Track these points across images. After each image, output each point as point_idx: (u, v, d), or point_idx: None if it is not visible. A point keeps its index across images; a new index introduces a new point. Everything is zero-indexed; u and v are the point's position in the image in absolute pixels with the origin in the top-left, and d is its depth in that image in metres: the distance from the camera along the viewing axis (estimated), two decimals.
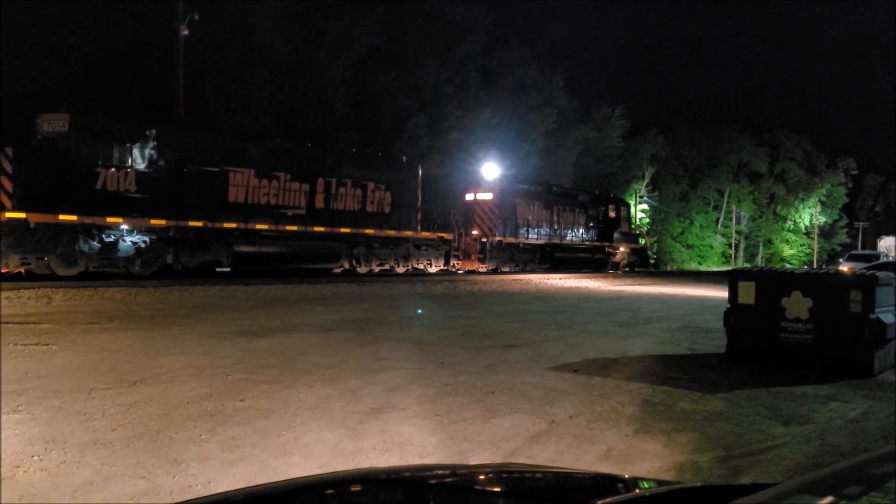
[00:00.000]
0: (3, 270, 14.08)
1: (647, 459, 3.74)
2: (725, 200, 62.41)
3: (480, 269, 24.93)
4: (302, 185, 18.90)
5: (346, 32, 31.20)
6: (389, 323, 9.77)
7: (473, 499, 1.41)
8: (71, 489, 3.07)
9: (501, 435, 4.10)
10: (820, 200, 66.31)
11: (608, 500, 1.19)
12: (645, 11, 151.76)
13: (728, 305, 7.18)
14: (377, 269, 21.32)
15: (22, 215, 13.92)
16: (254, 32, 27.83)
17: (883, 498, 0.92)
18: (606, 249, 31.69)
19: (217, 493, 1.89)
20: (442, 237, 23.37)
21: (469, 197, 25.25)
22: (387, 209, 21.14)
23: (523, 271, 26.52)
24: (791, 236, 66.84)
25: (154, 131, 15.94)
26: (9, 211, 13.82)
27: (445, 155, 33.53)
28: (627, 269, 33.04)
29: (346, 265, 20.50)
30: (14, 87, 20.63)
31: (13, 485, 3.09)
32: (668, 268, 54.54)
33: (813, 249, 64.96)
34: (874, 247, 51.85)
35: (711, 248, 61.77)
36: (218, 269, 17.91)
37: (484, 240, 24.91)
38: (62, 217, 14.37)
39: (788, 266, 56.43)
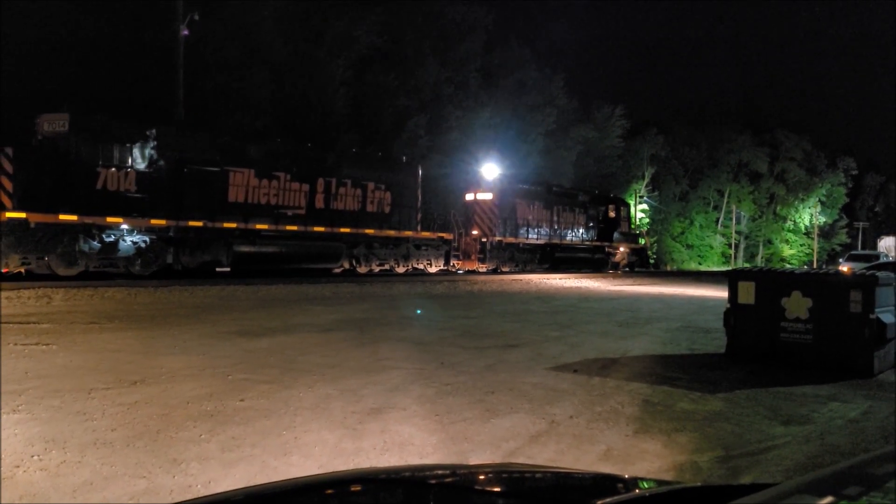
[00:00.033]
0: (3, 270, 14.09)
1: (647, 459, 3.74)
2: (725, 200, 62.40)
3: (480, 269, 24.92)
4: (302, 185, 18.90)
5: (346, 32, 31.20)
6: (389, 323, 9.77)
7: (473, 499, 1.41)
8: (71, 489, 3.08)
9: (501, 435, 4.10)
10: (820, 200, 66.32)
11: (608, 500, 1.19)
12: (645, 11, 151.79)
13: (728, 305, 7.18)
14: (377, 269, 21.32)
15: (22, 215, 13.93)
16: (254, 32, 27.83)
17: (883, 498, 0.92)
18: (606, 249, 31.68)
19: (217, 493, 1.90)
20: (442, 237, 23.36)
21: (469, 197, 25.24)
22: (387, 209, 21.14)
23: (523, 271, 26.51)
24: (791, 236, 66.84)
25: (154, 131, 15.95)
26: (9, 211, 13.83)
27: (445, 155, 33.51)
28: (627, 269, 33.03)
29: (346, 265, 20.50)
30: (14, 87, 20.64)
31: (13, 485, 3.09)
32: (668, 268, 54.52)
33: (813, 249, 64.94)
34: (874, 247, 51.81)
35: (711, 248, 61.76)
36: (218, 269, 17.91)
37: (484, 240, 24.90)
38: (62, 217, 14.38)
39: (788, 266, 56.41)
